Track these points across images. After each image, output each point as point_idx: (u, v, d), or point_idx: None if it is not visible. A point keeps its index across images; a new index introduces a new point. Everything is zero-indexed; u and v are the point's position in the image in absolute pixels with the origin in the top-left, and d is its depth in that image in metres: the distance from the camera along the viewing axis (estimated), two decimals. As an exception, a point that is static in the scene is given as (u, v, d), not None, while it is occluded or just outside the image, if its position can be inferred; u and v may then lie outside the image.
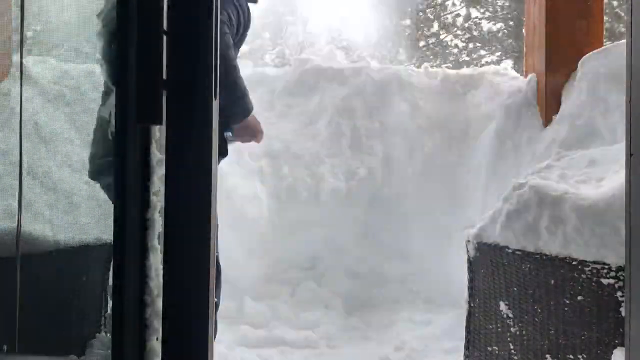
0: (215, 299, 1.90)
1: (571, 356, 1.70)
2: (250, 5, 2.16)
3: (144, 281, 1.03)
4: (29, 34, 1.39)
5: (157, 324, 1.03)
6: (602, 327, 1.62)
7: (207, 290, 1.01)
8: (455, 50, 15.08)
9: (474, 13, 14.91)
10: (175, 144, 1.00)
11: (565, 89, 3.01)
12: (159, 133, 1.04)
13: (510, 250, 1.86)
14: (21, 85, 1.42)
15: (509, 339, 1.88)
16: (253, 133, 2.23)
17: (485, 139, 3.68)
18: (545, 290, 1.76)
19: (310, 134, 3.92)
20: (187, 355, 1.01)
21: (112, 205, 1.05)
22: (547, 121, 3.07)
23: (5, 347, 1.40)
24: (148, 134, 1.03)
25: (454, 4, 15.08)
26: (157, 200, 1.04)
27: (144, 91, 0.98)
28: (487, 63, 14.23)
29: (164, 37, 0.98)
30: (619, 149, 2.12)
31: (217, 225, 1.92)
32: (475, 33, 14.77)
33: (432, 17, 15.23)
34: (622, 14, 11.66)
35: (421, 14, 14.97)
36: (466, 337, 2.07)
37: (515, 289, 1.85)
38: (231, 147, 2.87)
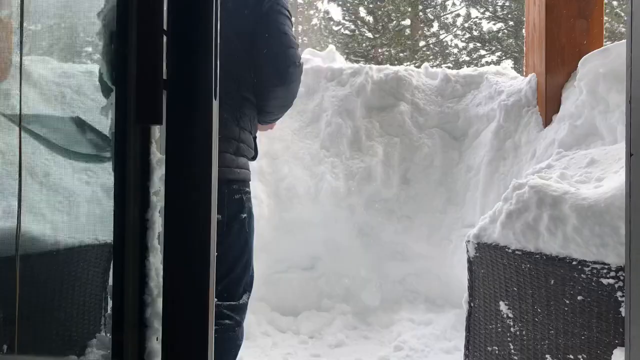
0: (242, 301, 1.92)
1: (571, 356, 1.70)
2: None
3: (144, 281, 1.03)
4: (29, 33, 1.39)
5: (157, 324, 1.03)
6: (602, 327, 1.62)
7: (207, 290, 1.01)
8: (455, 50, 15.09)
9: (474, 13, 14.93)
10: (175, 144, 1.00)
11: (565, 89, 3.02)
12: (159, 133, 1.04)
13: (510, 250, 1.86)
14: (21, 85, 1.42)
15: (509, 339, 1.88)
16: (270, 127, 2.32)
17: (485, 138, 3.68)
18: (545, 290, 1.76)
19: (310, 134, 3.92)
20: (187, 355, 1.01)
21: (112, 205, 1.05)
22: (547, 121, 3.07)
23: (5, 347, 1.40)
24: (148, 134, 1.03)
25: (454, 4, 15.09)
26: (157, 200, 1.04)
27: (144, 91, 0.98)
28: (487, 63, 14.24)
29: (164, 37, 0.98)
30: (619, 149, 2.12)
31: (224, 221, 1.92)
32: (475, 33, 14.78)
33: (432, 17, 15.23)
34: (622, 14, 11.67)
35: (421, 14, 14.97)
36: (466, 337, 2.07)
37: (515, 289, 1.85)
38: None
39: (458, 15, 15.02)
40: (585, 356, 1.66)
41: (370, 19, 15.54)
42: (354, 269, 3.66)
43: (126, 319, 1.01)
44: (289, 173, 3.71)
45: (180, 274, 1.00)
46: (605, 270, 1.60)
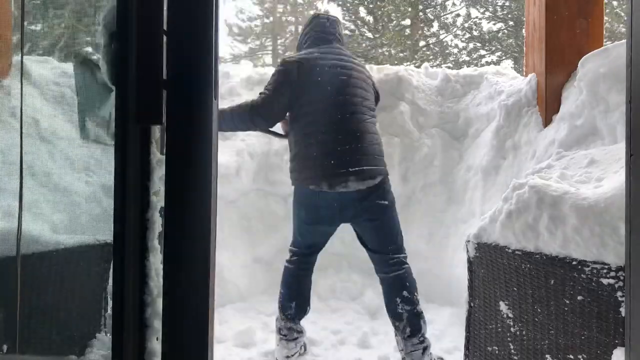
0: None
1: (571, 356, 1.70)
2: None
3: (144, 281, 1.03)
4: (29, 33, 1.39)
5: (157, 324, 1.03)
6: (602, 327, 1.62)
7: (207, 290, 1.01)
8: (455, 50, 15.08)
9: (474, 13, 14.92)
10: (175, 144, 1.00)
11: (565, 89, 3.01)
12: (159, 133, 1.04)
13: (510, 250, 1.86)
14: (21, 85, 1.42)
15: (509, 339, 1.88)
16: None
17: (485, 138, 3.68)
18: (545, 290, 1.76)
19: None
20: (187, 356, 1.01)
21: (112, 205, 1.05)
22: (547, 121, 3.07)
23: (5, 347, 1.40)
24: (148, 134, 1.03)
25: (454, 4, 15.08)
26: (157, 200, 1.04)
27: (144, 91, 0.98)
28: (487, 63, 14.24)
29: (164, 37, 0.98)
30: (619, 149, 2.12)
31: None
32: (475, 33, 14.77)
33: (432, 17, 15.23)
34: (622, 14, 11.67)
35: (421, 14, 14.97)
36: (466, 337, 2.07)
37: (515, 289, 1.85)
38: (233, 147, 2.86)
39: (458, 15, 15.02)
40: (585, 356, 1.66)
41: (370, 19, 15.54)
42: (355, 267, 3.67)
43: (126, 319, 1.01)
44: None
45: (180, 274, 1.00)
46: (605, 270, 1.60)
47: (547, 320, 1.76)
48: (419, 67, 4.39)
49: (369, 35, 15.54)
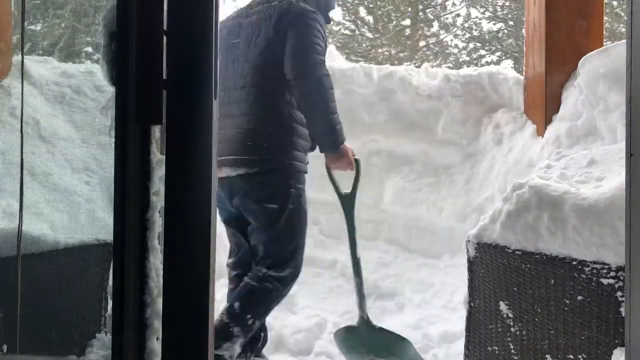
0: None
1: (571, 356, 1.70)
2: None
3: (144, 281, 1.03)
4: (29, 33, 1.39)
5: (157, 324, 1.03)
6: (602, 327, 1.62)
7: (207, 290, 1.01)
8: (455, 50, 15.08)
9: (474, 13, 14.91)
10: (175, 144, 1.00)
11: (565, 89, 3.01)
12: (159, 133, 1.04)
13: (510, 250, 1.85)
14: (22, 85, 1.42)
15: (509, 339, 1.88)
16: (343, 165, 2.32)
17: (485, 138, 3.68)
18: (545, 290, 1.75)
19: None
20: (187, 356, 1.01)
21: (112, 205, 1.05)
22: (547, 121, 3.07)
23: (5, 347, 1.40)
24: (148, 134, 1.03)
25: (454, 4, 15.07)
26: (157, 200, 1.04)
27: (144, 91, 0.98)
28: (487, 63, 14.23)
29: (164, 37, 0.98)
30: (619, 149, 2.12)
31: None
32: (475, 33, 14.77)
33: (432, 17, 15.23)
34: (622, 14, 11.66)
35: (421, 14, 14.97)
36: (466, 337, 2.07)
37: (515, 289, 1.85)
38: None
39: (458, 15, 15.02)
40: (585, 356, 1.66)
41: (370, 19, 15.53)
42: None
43: (126, 319, 1.02)
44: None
45: (180, 274, 1.00)
46: (605, 270, 1.60)
47: (547, 320, 1.76)
48: (419, 67, 4.39)
49: (369, 35, 15.53)
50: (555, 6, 3.04)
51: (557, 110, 3.00)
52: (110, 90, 1.05)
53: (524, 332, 1.83)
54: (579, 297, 1.67)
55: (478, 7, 14.81)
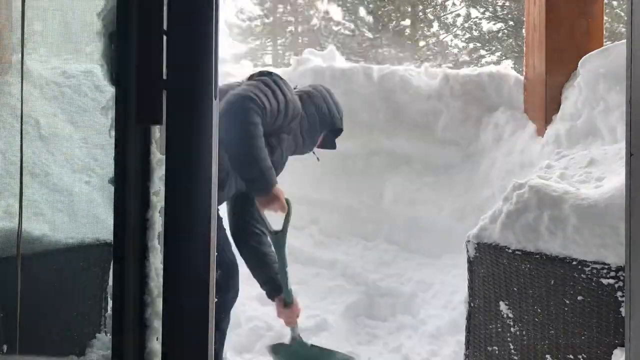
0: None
1: (571, 356, 1.70)
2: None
3: (144, 281, 1.03)
4: (28, 33, 1.39)
5: (157, 324, 1.03)
6: (602, 327, 1.62)
7: (207, 290, 1.01)
8: (455, 50, 15.07)
9: (474, 13, 14.90)
10: (175, 144, 1.00)
11: (565, 89, 3.01)
12: (159, 133, 1.04)
13: (510, 250, 1.85)
14: (22, 85, 1.42)
15: (509, 339, 1.88)
16: (275, 207, 2.31)
17: (486, 137, 3.68)
18: (545, 290, 1.75)
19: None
20: (187, 355, 1.01)
21: (112, 205, 1.05)
22: (547, 121, 3.07)
23: (5, 347, 1.40)
24: (148, 134, 1.03)
25: (454, 4, 15.06)
26: (157, 200, 1.04)
27: (144, 91, 0.98)
28: (487, 63, 14.22)
29: (164, 37, 0.98)
30: (619, 149, 2.12)
31: (221, 218, 2.03)
32: (475, 33, 14.76)
33: (432, 17, 15.22)
34: (622, 14, 11.66)
35: (421, 14, 14.97)
36: (466, 337, 2.07)
37: (515, 289, 1.85)
38: None
39: (458, 15, 15.00)
40: (585, 356, 1.66)
41: (370, 19, 15.53)
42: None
43: (126, 319, 1.02)
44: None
45: (180, 274, 1.00)
46: (605, 270, 1.60)
47: (547, 320, 1.76)
48: (419, 67, 4.39)
49: (369, 35, 15.53)
50: (555, 6, 3.04)
51: (557, 110, 3.00)
52: (110, 90, 1.05)
53: (524, 332, 1.83)
54: (579, 297, 1.67)
55: (478, 7, 14.80)
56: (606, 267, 1.60)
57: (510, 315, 1.87)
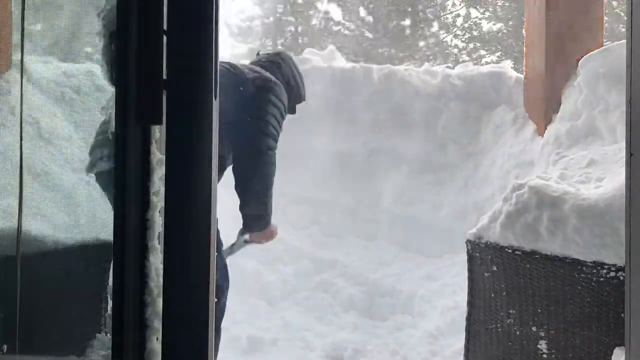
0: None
1: (571, 356, 1.70)
2: None
3: (144, 281, 1.03)
4: (28, 33, 1.39)
5: (157, 324, 1.03)
6: (602, 327, 1.62)
7: (207, 290, 1.01)
8: (455, 50, 15.07)
9: (474, 13, 14.91)
10: (175, 144, 1.00)
11: (565, 89, 3.01)
12: (159, 133, 1.04)
13: (510, 250, 1.85)
14: (21, 85, 1.42)
15: (509, 339, 1.88)
16: (265, 239, 2.28)
17: (486, 137, 3.68)
18: (545, 290, 1.76)
19: (310, 134, 3.92)
20: (187, 355, 1.01)
21: (112, 205, 1.05)
22: (547, 121, 3.07)
23: (5, 347, 1.40)
24: (148, 134, 1.03)
25: (454, 4, 15.07)
26: (157, 200, 1.04)
27: (144, 91, 0.98)
28: (487, 63, 14.22)
29: (164, 37, 0.98)
30: (619, 149, 2.12)
31: (217, 219, 2.04)
32: (475, 33, 14.76)
33: (432, 17, 15.22)
34: (622, 14, 11.65)
35: (421, 14, 14.97)
36: (466, 337, 2.07)
37: (515, 289, 1.85)
38: None
39: (458, 15, 15.01)
40: (585, 356, 1.66)
41: (370, 19, 15.53)
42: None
43: (126, 319, 1.01)
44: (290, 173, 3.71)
45: (180, 274, 1.00)
46: (605, 271, 1.60)
47: (547, 320, 1.76)
48: (419, 67, 4.39)
49: (369, 35, 15.53)
50: (555, 6, 3.05)
51: (557, 110, 3.00)
52: (110, 90, 1.05)
53: (524, 332, 1.83)
54: (579, 297, 1.67)
55: (478, 7, 14.80)
56: (606, 267, 1.60)
57: (510, 315, 1.87)
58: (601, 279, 1.61)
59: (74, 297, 1.70)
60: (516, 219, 1.86)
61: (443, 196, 3.80)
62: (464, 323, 2.09)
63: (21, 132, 1.36)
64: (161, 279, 1.02)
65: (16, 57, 1.65)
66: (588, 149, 2.48)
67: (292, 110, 2.38)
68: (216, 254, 2.13)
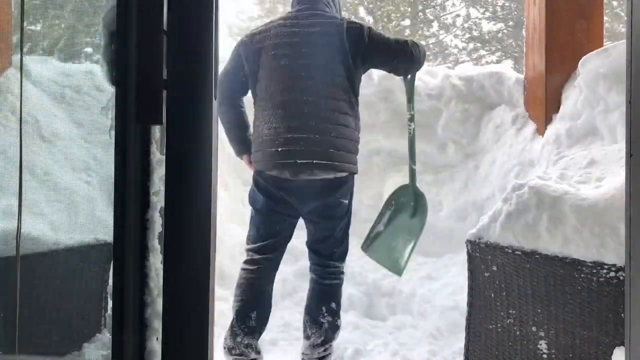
0: None
1: (571, 356, 1.70)
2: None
3: (144, 281, 1.03)
4: (29, 33, 1.39)
5: (157, 324, 1.03)
6: (602, 327, 1.62)
7: (207, 290, 1.01)
8: (455, 51, 15.08)
9: (474, 13, 14.91)
10: (175, 144, 1.00)
11: (565, 89, 3.01)
12: (159, 133, 1.04)
13: (510, 251, 1.86)
14: (21, 85, 1.42)
15: (509, 339, 1.88)
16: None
17: (486, 137, 3.68)
18: (545, 290, 1.76)
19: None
20: (187, 356, 1.01)
21: (113, 205, 1.05)
22: (547, 121, 3.07)
23: (5, 347, 1.40)
24: (148, 134, 1.03)
25: (454, 4, 15.07)
26: (157, 200, 1.04)
27: (144, 91, 0.98)
28: (487, 63, 14.23)
29: (164, 37, 0.98)
30: (619, 149, 2.12)
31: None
32: (475, 33, 14.77)
33: (432, 17, 15.23)
34: (622, 14, 11.66)
35: (421, 14, 14.97)
36: (466, 337, 2.07)
37: (515, 289, 1.85)
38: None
39: (458, 15, 15.02)
40: (585, 356, 1.66)
41: (370, 19, 15.54)
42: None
43: (126, 319, 1.02)
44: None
45: (180, 274, 1.00)
46: (605, 270, 1.61)
47: (547, 320, 1.76)
48: (418, 67, 4.38)
49: (369, 35, 15.50)
50: (555, 6, 3.05)
51: (557, 110, 3.00)
52: (110, 90, 1.05)
53: (524, 332, 1.83)
54: (579, 297, 1.67)
55: (478, 7, 14.81)
56: (606, 267, 1.60)
57: (510, 315, 1.87)
58: (601, 279, 1.61)
59: (74, 297, 1.70)
60: (516, 219, 1.86)
61: (443, 196, 3.80)
62: (464, 323, 2.09)
63: (21, 132, 1.36)
64: (161, 279, 1.02)
65: (16, 57, 1.65)
66: (588, 149, 2.48)
67: None
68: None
